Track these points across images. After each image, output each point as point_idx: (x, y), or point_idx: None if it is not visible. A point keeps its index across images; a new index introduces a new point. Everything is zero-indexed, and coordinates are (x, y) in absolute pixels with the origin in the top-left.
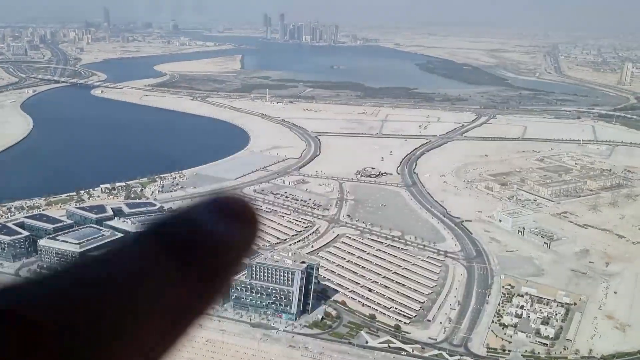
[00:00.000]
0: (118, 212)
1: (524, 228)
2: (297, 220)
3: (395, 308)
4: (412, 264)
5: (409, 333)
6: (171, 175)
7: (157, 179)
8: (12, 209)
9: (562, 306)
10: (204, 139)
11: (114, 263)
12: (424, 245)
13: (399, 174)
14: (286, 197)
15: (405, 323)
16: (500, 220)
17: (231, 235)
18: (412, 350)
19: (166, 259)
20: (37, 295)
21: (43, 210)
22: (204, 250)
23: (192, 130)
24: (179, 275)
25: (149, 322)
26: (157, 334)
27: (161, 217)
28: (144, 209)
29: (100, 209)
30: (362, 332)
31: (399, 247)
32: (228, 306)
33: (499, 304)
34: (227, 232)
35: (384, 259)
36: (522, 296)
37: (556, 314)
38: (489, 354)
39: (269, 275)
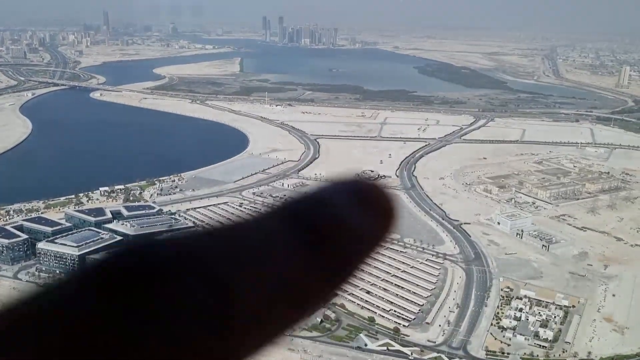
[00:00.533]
0: (117, 215)
1: (522, 231)
2: None
3: (394, 311)
4: (411, 267)
5: (408, 336)
6: (170, 178)
7: (156, 182)
8: (11, 212)
9: (561, 309)
10: (202, 141)
11: (250, 235)
12: (423, 248)
13: (397, 176)
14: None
15: (404, 326)
16: (498, 223)
17: (369, 222)
18: (411, 353)
19: (299, 239)
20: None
21: (42, 213)
22: (338, 235)
23: (191, 133)
24: (309, 258)
25: (273, 303)
26: (277, 318)
27: (297, 195)
28: (143, 211)
29: (99, 212)
30: (361, 335)
31: (397, 250)
32: None
33: (497, 307)
34: (364, 219)
35: (383, 262)
36: (520, 299)
37: (555, 317)
38: (488, 356)
39: None
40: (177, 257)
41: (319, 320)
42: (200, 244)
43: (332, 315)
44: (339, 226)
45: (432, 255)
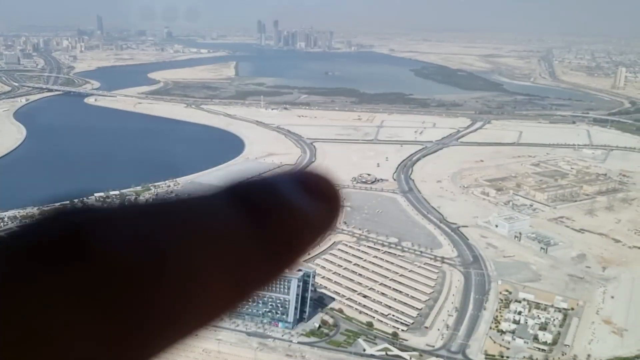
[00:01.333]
0: None
1: (520, 233)
2: None
3: (393, 315)
4: (409, 271)
5: (407, 340)
6: (165, 184)
7: (151, 187)
8: (5, 219)
9: (560, 311)
10: (198, 146)
11: (191, 210)
12: (421, 252)
13: (395, 180)
14: None
15: (402, 330)
16: (496, 226)
17: (312, 209)
18: (410, 358)
19: (243, 219)
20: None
21: None
22: (283, 219)
23: (186, 138)
24: (252, 239)
25: (213, 280)
26: (218, 296)
27: (244, 178)
28: None
29: None
30: (359, 340)
31: (395, 254)
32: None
33: (496, 310)
34: (308, 205)
35: (381, 266)
36: (519, 302)
37: (554, 320)
38: None
39: None
40: (105, 225)
41: (317, 325)
42: (134, 214)
43: (330, 321)
44: (284, 210)
45: (430, 258)
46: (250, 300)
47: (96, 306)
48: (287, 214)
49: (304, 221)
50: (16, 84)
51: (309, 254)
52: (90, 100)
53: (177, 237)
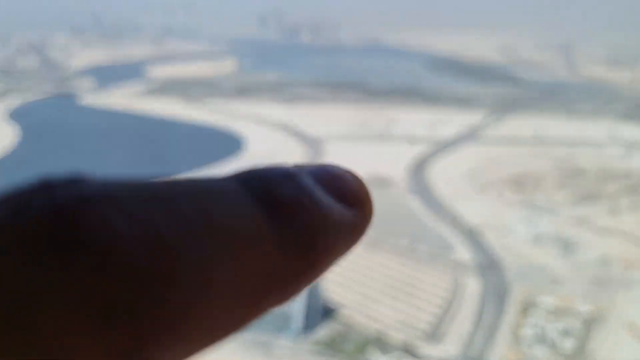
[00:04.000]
0: None
1: (539, 234)
2: None
3: (405, 322)
4: (422, 275)
5: (421, 348)
6: None
7: None
8: None
9: (581, 316)
10: (198, 145)
11: (202, 198)
12: (434, 255)
13: (406, 179)
14: None
15: (416, 338)
16: (514, 227)
17: (342, 211)
18: None
19: (261, 215)
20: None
21: None
22: (308, 218)
23: (185, 136)
24: (271, 239)
25: (227, 287)
26: (232, 306)
27: (265, 169)
28: None
29: None
30: (370, 348)
31: (407, 257)
32: None
33: (514, 316)
34: (338, 206)
35: (392, 270)
36: (539, 307)
37: (575, 325)
38: None
39: None
40: (105, 206)
41: (325, 334)
42: (137, 196)
43: (339, 329)
44: (310, 208)
45: (444, 262)
46: (265, 313)
47: (102, 311)
48: (313, 213)
49: (333, 223)
50: (11, 83)
51: (335, 263)
52: (86, 99)
53: (185, 229)
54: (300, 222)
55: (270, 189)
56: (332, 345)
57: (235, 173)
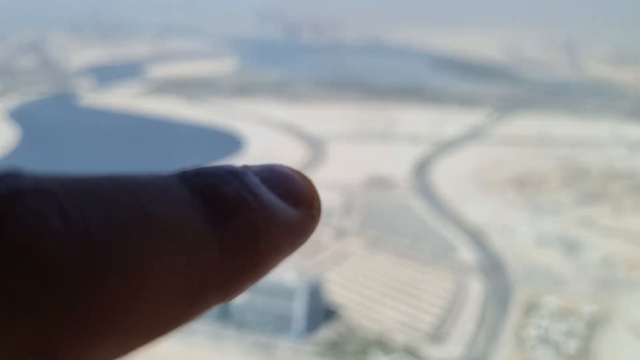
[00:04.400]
0: None
1: (542, 235)
2: None
3: (407, 323)
4: (425, 276)
5: (423, 350)
6: None
7: None
8: None
9: (585, 317)
10: (198, 145)
11: (135, 193)
12: (437, 256)
13: (408, 179)
14: None
15: (418, 339)
16: (517, 227)
17: (287, 210)
18: None
19: (200, 211)
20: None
21: None
22: (250, 215)
23: (185, 136)
24: (210, 236)
25: (161, 283)
26: (166, 304)
27: (210, 167)
28: None
29: None
30: (372, 350)
31: (409, 258)
32: (229, 325)
33: (518, 317)
34: (283, 206)
35: (394, 271)
36: (542, 308)
37: (578, 326)
38: None
39: (272, 291)
40: (29, 198)
41: (327, 335)
42: (64, 188)
43: (341, 330)
44: (252, 205)
45: (447, 263)
46: (205, 312)
47: (17, 307)
48: (256, 211)
49: (277, 222)
50: (10, 83)
51: (279, 263)
52: (85, 99)
53: (118, 225)
54: (242, 219)
55: (213, 187)
56: (334, 346)
57: (180, 171)
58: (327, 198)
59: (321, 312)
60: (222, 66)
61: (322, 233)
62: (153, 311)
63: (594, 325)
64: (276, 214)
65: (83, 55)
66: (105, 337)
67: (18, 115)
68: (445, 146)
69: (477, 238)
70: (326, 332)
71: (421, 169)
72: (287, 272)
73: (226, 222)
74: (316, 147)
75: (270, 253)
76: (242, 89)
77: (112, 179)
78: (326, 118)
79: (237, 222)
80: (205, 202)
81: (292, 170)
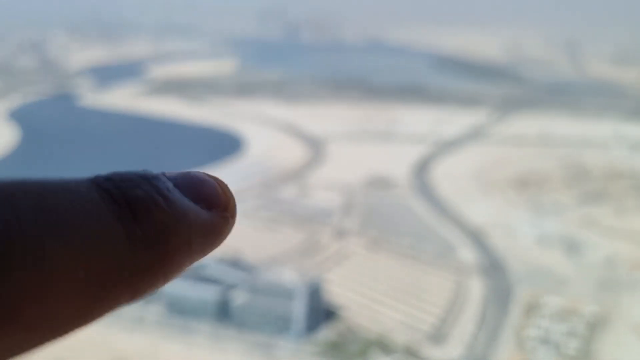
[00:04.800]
0: None
1: (544, 235)
2: (298, 232)
3: (408, 324)
4: (425, 276)
5: (423, 350)
6: None
7: None
8: None
9: (587, 318)
10: (197, 145)
11: (43, 192)
12: (437, 256)
13: (409, 179)
14: (287, 206)
15: (418, 340)
16: (519, 227)
17: (199, 213)
18: None
19: (107, 210)
20: None
21: None
22: (159, 215)
23: (185, 136)
24: (118, 235)
25: (65, 280)
26: (71, 301)
27: (123, 171)
28: None
29: None
30: (372, 350)
31: (410, 258)
32: (229, 325)
33: (519, 318)
34: (194, 208)
35: (395, 272)
36: (543, 308)
37: (580, 326)
38: None
39: (272, 292)
40: None
41: (327, 336)
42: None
43: (341, 330)
44: (161, 205)
45: (448, 263)
46: (112, 311)
47: None
48: (166, 211)
49: (187, 222)
50: (10, 83)
51: (191, 263)
52: (85, 100)
53: (23, 222)
54: (152, 218)
55: (124, 189)
56: (334, 347)
57: (93, 176)
58: (327, 198)
59: (321, 313)
60: (222, 66)
61: (322, 233)
62: (59, 306)
63: (595, 325)
64: (187, 214)
65: (83, 55)
66: (8, 332)
67: (18, 116)
68: (447, 146)
69: (478, 238)
70: (326, 333)
71: (422, 169)
72: (287, 273)
73: (135, 221)
74: (316, 147)
75: (180, 252)
76: (242, 89)
77: (19, 181)
78: (326, 118)
79: (147, 221)
80: (115, 202)
81: (208, 175)
